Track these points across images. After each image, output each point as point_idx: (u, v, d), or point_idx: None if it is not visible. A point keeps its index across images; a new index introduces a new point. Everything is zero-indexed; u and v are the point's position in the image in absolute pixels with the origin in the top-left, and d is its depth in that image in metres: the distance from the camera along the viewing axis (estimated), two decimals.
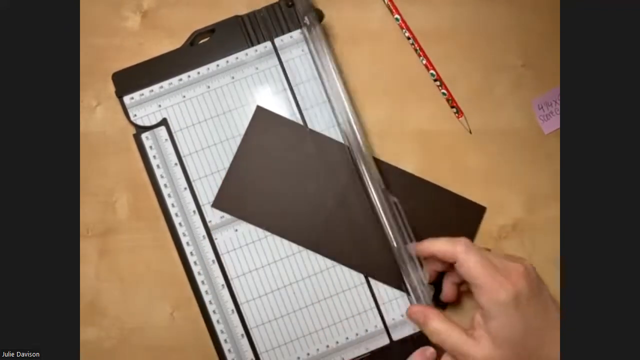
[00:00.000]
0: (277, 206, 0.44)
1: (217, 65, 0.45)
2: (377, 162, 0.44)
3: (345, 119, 0.42)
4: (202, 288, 0.43)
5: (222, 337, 0.43)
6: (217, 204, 0.44)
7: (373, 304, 0.44)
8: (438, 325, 0.37)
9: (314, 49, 0.44)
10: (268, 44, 0.45)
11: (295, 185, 0.44)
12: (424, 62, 0.46)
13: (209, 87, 0.45)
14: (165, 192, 0.44)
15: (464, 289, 0.42)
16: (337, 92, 0.43)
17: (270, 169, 0.44)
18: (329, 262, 0.44)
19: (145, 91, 0.45)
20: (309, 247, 0.44)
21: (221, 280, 0.44)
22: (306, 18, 0.43)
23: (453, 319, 0.38)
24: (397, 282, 0.43)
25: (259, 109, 0.45)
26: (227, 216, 0.44)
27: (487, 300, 0.36)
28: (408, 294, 0.42)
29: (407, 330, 0.43)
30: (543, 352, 0.36)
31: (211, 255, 0.44)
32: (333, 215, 0.44)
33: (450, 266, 0.39)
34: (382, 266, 0.43)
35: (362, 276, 0.44)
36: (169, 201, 0.44)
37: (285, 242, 0.44)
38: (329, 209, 0.44)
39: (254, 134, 0.44)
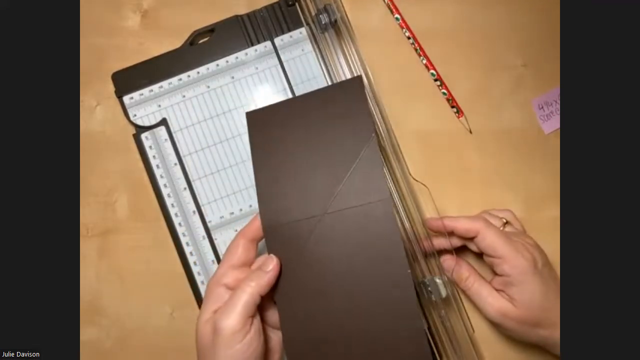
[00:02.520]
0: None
1: (217, 65, 0.45)
2: None
3: (379, 115, 0.42)
4: (202, 288, 0.43)
5: None
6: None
7: None
8: (466, 271, 0.42)
9: (330, 47, 0.43)
10: (268, 43, 0.45)
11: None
12: (424, 61, 0.46)
13: (208, 87, 0.45)
14: (165, 192, 0.44)
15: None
16: (366, 88, 0.42)
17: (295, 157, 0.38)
18: None
19: (145, 91, 0.45)
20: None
21: None
22: (323, 17, 0.43)
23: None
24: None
25: (249, 114, 0.40)
26: (226, 216, 0.44)
27: (509, 268, 0.39)
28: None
29: None
30: (557, 315, 0.38)
31: (211, 256, 0.44)
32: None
33: (464, 241, 0.42)
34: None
35: None
36: (169, 201, 0.44)
37: None
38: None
39: (258, 138, 0.39)
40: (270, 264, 0.36)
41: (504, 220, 0.42)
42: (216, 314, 0.34)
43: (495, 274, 0.41)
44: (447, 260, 0.42)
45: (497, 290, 0.40)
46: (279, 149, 0.39)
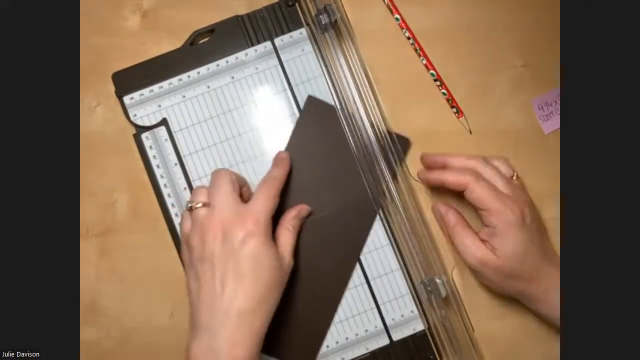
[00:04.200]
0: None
1: (217, 65, 0.45)
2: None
3: (377, 113, 0.43)
4: None
5: None
6: None
7: (373, 304, 0.44)
8: (454, 219, 0.42)
9: (330, 48, 0.43)
10: (268, 44, 0.45)
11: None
12: (424, 61, 0.46)
13: (209, 87, 0.45)
14: (165, 192, 0.44)
15: None
16: (366, 88, 0.43)
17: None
18: None
19: (145, 91, 0.45)
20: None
21: None
22: (323, 17, 0.43)
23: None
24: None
25: (311, 99, 0.45)
26: None
27: (495, 220, 0.39)
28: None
29: (407, 331, 0.43)
30: (540, 271, 0.39)
31: None
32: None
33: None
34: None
35: (362, 276, 0.44)
36: (169, 201, 0.44)
37: None
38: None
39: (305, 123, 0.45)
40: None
41: (511, 174, 0.42)
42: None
43: (485, 225, 0.41)
44: (440, 208, 0.43)
45: (483, 240, 0.40)
46: (315, 145, 0.45)
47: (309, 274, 0.43)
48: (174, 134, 0.45)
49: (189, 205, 0.39)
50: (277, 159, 0.43)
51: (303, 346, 0.43)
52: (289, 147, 0.45)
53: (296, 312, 0.43)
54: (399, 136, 0.44)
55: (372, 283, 0.44)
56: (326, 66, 0.45)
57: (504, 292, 0.41)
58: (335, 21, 0.42)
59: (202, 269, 0.37)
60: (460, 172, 0.41)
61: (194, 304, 0.38)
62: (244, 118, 0.45)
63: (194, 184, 0.44)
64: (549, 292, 0.39)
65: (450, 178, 0.41)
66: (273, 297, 0.38)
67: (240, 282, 0.36)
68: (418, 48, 0.46)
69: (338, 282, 0.44)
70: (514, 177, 0.42)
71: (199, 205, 0.38)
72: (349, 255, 0.44)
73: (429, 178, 0.42)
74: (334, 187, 0.44)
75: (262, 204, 0.39)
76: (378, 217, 0.44)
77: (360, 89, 0.43)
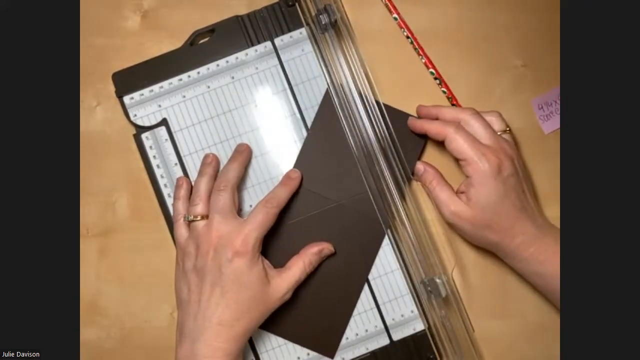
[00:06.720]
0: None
1: (217, 65, 0.45)
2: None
3: (377, 113, 0.43)
4: None
5: None
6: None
7: (373, 304, 0.44)
8: (431, 176, 0.43)
9: (330, 48, 0.43)
10: (268, 43, 0.45)
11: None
12: (424, 60, 0.46)
13: (209, 87, 0.45)
14: (165, 192, 0.44)
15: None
16: (366, 88, 0.43)
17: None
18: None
19: (145, 91, 0.45)
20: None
21: None
22: (323, 17, 0.42)
23: None
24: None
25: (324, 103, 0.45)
26: None
27: (471, 170, 0.40)
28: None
29: (407, 331, 0.43)
30: (514, 226, 0.40)
31: None
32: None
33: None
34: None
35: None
36: (169, 201, 0.44)
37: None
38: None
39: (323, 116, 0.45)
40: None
41: (504, 128, 0.42)
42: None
43: (465, 176, 0.41)
44: (418, 165, 0.44)
45: (461, 192, 0.41)
46: (331, 138, 0.45)
47: (326, 270, 0.44)
48: (174, 134, 0.45)
49: (189, 217, 0.41)
50: (287, 178, 0.43)
51: (325, 336, 0.44)
52: (304, 147, 0.45)
53: (316, 303, 0.43)
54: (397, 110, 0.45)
55: (372, 283, 0.44)
56: (326, 66, 0.45)
57: (479, 243, 0.42)
58: (335, 21, 0.42)
59: (193, 278, 0.40)
60: (444, 123, 0.41)
61: (182, 310, 0.40)
62: (244, 118, 0.45)
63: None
64: (522, 248, 0.40)
65: (432, 128, 0.42)
66: (252, 316, 0.39)
67: (223, 296, 0.38)
68: (417, 47, 0.46)
69: (357, 275, 0.44)
70: (506, 132, 0.42)
71: (198, 218, 0.40)
72: (365, 249, 0.44)
73: (415, 125, 0.43)
74: (337, 185, 0.44)
75: (257, 223, 0.40)
76: (379, 216, 0.44)
77: (360, 88, 0.43)
